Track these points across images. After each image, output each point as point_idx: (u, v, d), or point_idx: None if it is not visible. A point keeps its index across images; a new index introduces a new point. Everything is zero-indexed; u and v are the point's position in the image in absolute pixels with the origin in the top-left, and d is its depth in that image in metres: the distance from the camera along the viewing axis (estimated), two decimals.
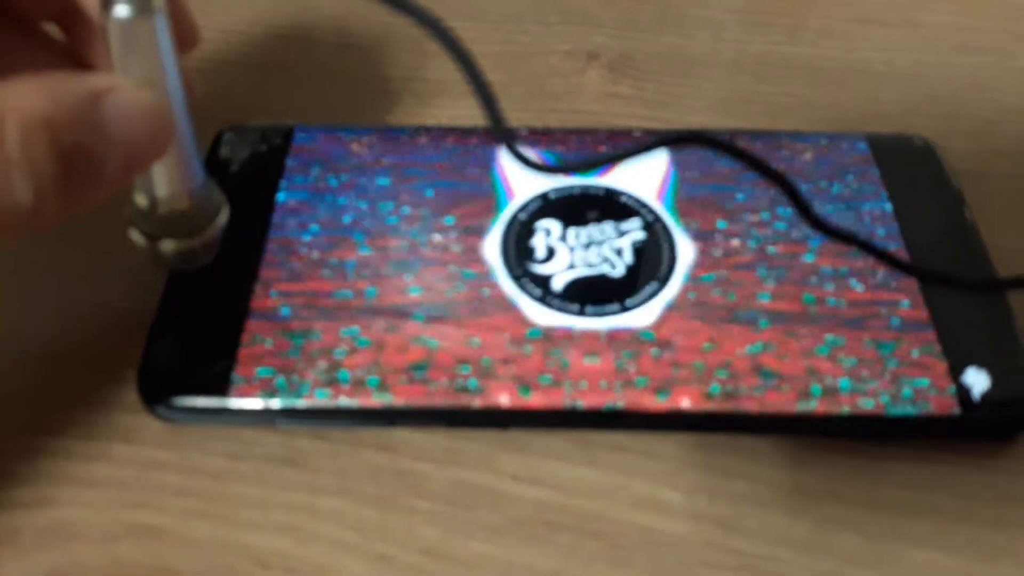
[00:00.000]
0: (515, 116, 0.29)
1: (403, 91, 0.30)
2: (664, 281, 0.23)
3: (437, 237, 0.24)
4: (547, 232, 0.24)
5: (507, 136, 0.17)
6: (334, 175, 0.26)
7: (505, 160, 0.25)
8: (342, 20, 0.32)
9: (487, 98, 0.17)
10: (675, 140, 0.17)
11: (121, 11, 0.18)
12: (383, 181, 0.25)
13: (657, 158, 0.26)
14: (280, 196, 0.25)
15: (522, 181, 0.25)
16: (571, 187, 0.25)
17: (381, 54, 0.31)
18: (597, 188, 0.25)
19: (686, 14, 0.33)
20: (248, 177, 0.26)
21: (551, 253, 0.23)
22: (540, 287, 0.23)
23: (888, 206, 0.25)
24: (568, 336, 0.22)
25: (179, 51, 0.20)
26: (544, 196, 0.24)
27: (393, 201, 0.25)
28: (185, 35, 0.22)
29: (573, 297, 0.23)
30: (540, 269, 0.23)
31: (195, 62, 0.30)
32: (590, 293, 0.23)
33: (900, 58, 0.31)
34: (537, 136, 0.27)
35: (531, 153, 0.26)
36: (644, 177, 0.25)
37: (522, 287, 0.23)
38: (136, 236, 0.22)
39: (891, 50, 0.31)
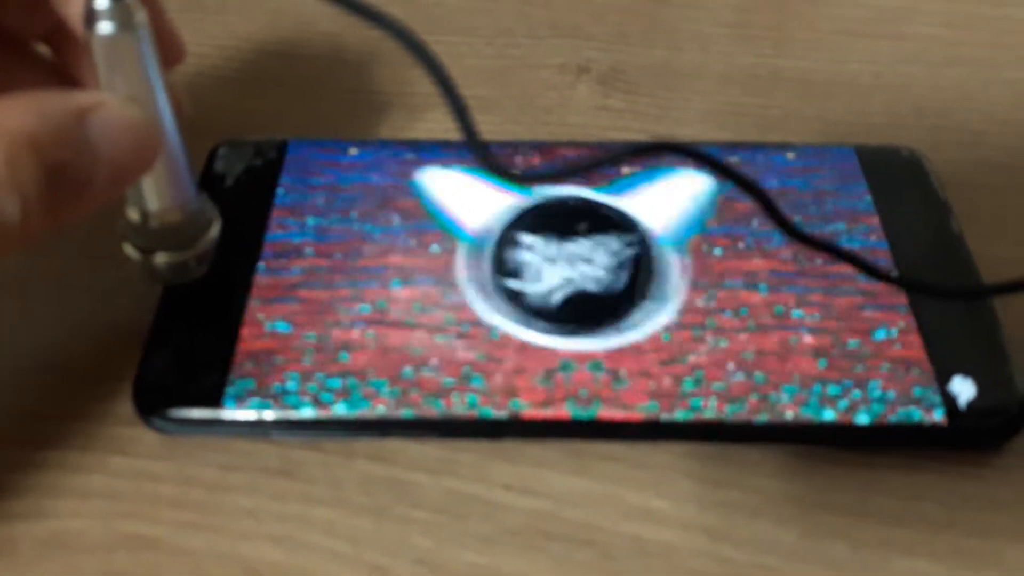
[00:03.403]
0: (506, 129, 0.29)
1: (396, 105, 0.30)
2: (653, 297, 0.23)
3: (433, 249, 0.24)
4: (529, 247, 0.23)
5: (480, 148, 0.18)
6: (328, 189, 0.26)
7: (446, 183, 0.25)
8: (336, 35, 0.32)
9: (460, 110, 0.17)
10: (646, 150, 0.17)
11: (104, 28, 0.18)
12: (376, 195, 0.26)
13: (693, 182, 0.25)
14: (274, 210, 0.25)
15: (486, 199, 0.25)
16: (553, 199, 0.24)
17: (375, 69, 0.31)
18: (579, 200, 0.24)
19: (676, 28, 0.33)
20: (243, 191, 0.26)
21: (532, 269, 0.23)
22: (520, 305, 0.23)
23: (875, 216, 0.25)
24: (549, 363, 0.22)
25: (165, 66, 0.20)
26: (525, 209, 0.24)
27: (386, 215, 0.25)
28: (170, 50, 0.22)
29: (554, 319, 0.22)
30: (519, 288, 0.23)
31: (189, 77, 0.30)
32: (575, 312, 0.23)
33: (888, 70, 0.31)
34: (519, 149, 0.27)
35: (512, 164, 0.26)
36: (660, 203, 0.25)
37: (502, 303, 0.23)
38: (129, 250, 0.22)
39: (879, 62, 0.32)
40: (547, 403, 0.21)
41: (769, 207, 0.18)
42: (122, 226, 0.22)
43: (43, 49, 0.23)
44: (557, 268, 0.23)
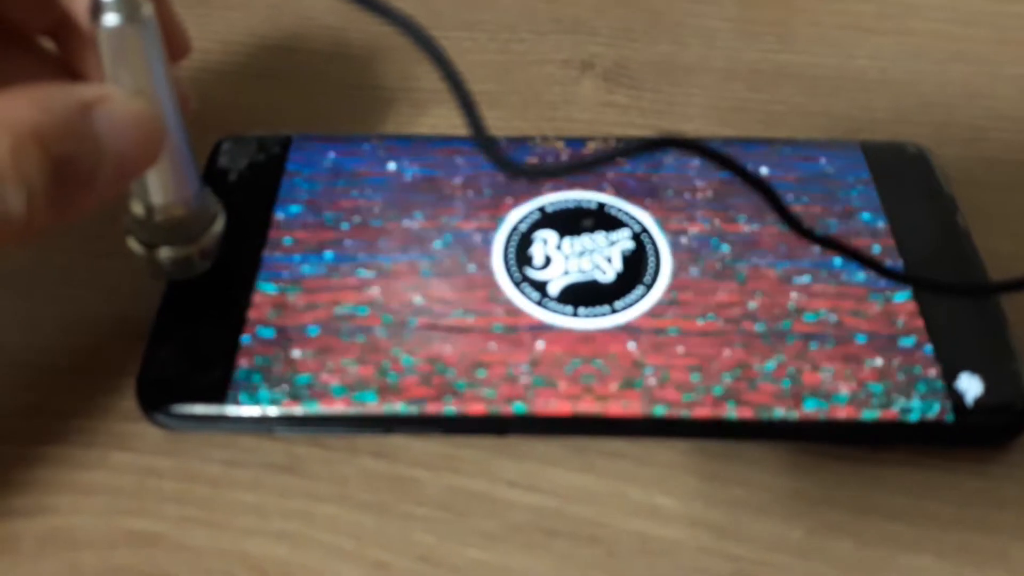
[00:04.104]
0: (512, 125, 0.29)
1: (400, 100, 0.30)
2: (650, 286, 0.23)
3: (435, 245, 0.24)
4: (544, 241, 0.24)
5: (488, 144, 0.18)
6: (332, 184, 0.26)
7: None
8: (340, 30, 0.32)
9: (468, 105, 0.17)
10: (655, 145, 0.17)
11: (110, 20, 0.18)
12: (381, 190, 0.26)
13: None
14: (278, 205, 0.25)
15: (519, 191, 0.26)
16: (566, 200, 0.25)
17: (379, 63, 0.31)
18: (590, 202, 0.25)
19: (680, 23, 0.33)
20: (247, 186, 0.26)
21: (548, 261, 0.24)
22: (538, 291, 0.23)
23: (881, 213, 0.25)
24: (563, 344, 0.22)
25: (171, 60, 0.20)
26: (542, 209, 0.25)
27: (392, 209, 0.25)
28: (176, 44, 0.22)
29: (567, 300, 0.23)
30: (538, 275, 0.24)
31: (194, 72, 0.30)
32: (583, 297, 0.23)
33: (893, 66, 0.31)
34: (522, 143, 0.27)
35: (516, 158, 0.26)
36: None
37: (522, 291, 0.23)
38: (133, 244, 0.22)
39: (884, 58, 0.31)
40: (552, 399, 0.21)
41: (776, 204, 0.18)
42: (126, 221, 0.22)
43: (48, 43, 0.23)
44: (567, 260, 0.24)
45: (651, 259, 0.24)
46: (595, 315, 0.23)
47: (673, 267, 0.24)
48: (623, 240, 0.24)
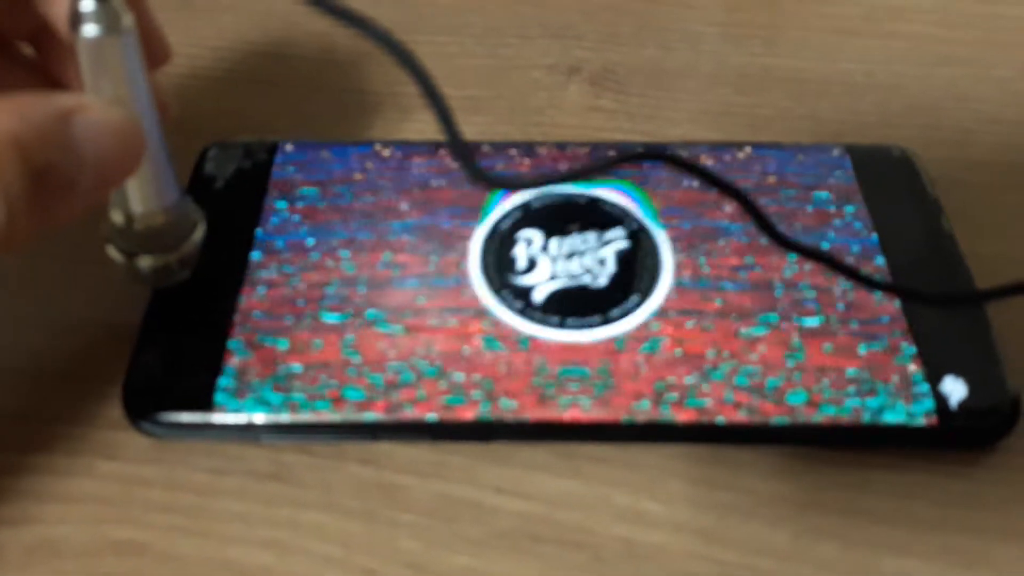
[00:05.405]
0: (498, 130, 0.29)
1: (387, 105, 0.30)
2: (647, 292, 0.23)
3: (421, 250, 0.24)
4: (528, 242, 0.24)
5: (462, 150, 0.18)
6: (318, 190, 0.26)
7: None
8: (326, 36, 0.32)
9: (442, 111, 0.17)
10: (634, 157, 0.17)
11: (89, 30, 0.18)
12: (367, 195, 0.26)
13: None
14: (264, 212, 0.25)
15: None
16: (553, 196, 0.24)
17: (365, 69, 0.31)
18: (580, 197, 0.25)
19: (667, 27, 0.33)
20: (233, 192, 0.26)
21: (532, 264, 0.24)
22: (521, 300, 0.23)
23: (866, 215, 0.25)
24: (550, 348, 0.22)
25: (151, 68, 0.20)
26: (526, 206, 0.24)
27: (377, 215, 0.25)
28: (156, 52, 0.22)
29: (554, 309, 0.23)
30: (521, 280, 0.23)
31: (182, 78, 0.30)
32: (572, 305, 0.23)
33: (880, 69, 0.31)
34: (502, 150, 0.27)
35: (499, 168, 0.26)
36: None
37: (502, 300, 0.23)
38: (113, 253, 0.22)
39: (870, 61, 0.32)
40: (538, 405, 0.21)
41: (757, 216, 0.18)
42: (106, 229, 0.22)
43: (28, 49, 0.23)
44: (554, 263, 0.24)
45: (648, 261, 0.23)
46: (585, 326, 0.22)
47: (675, 270, 0.23)
48: (618, 239, 0.24)
